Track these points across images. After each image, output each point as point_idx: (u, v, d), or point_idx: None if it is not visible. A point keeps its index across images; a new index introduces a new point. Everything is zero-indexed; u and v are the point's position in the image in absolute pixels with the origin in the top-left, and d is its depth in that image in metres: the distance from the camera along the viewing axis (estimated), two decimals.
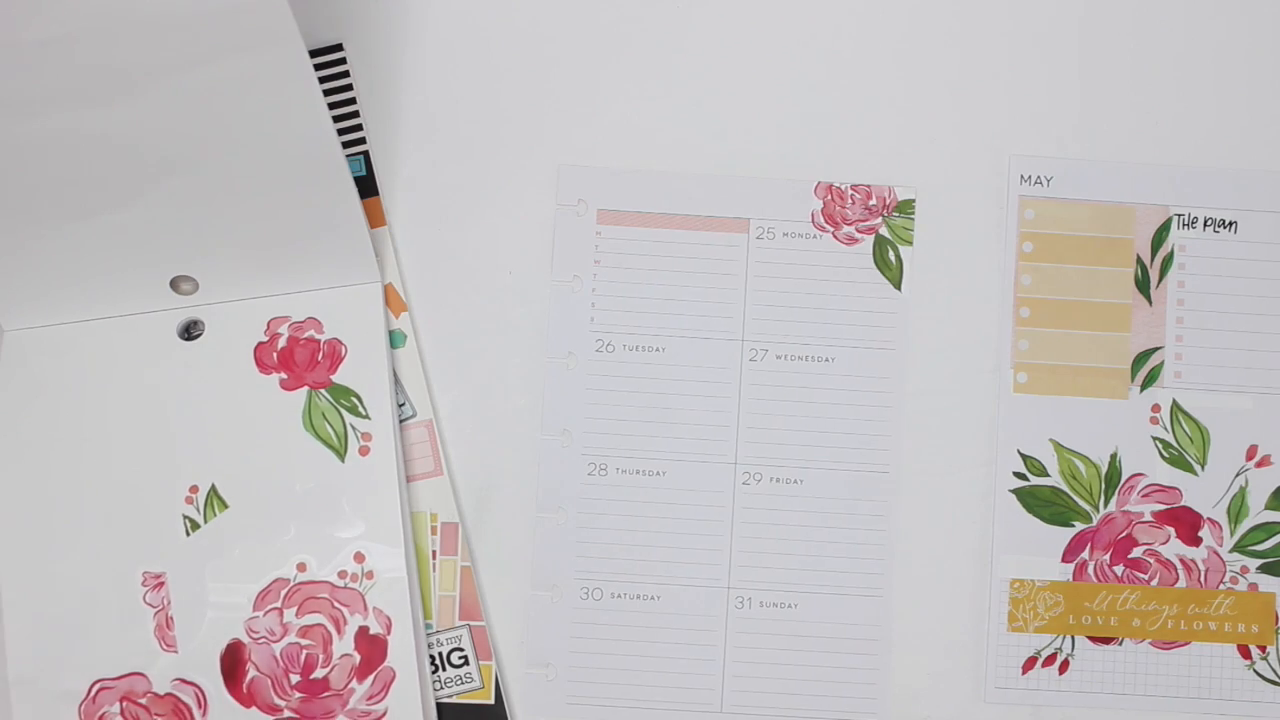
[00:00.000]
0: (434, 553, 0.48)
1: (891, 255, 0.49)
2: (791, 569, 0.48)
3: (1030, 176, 0.49)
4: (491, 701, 0.47)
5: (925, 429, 0.49)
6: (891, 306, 0.49)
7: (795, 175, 0.49)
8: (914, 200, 0.49)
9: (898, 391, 0.49)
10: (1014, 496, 0.48)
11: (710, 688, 0.48)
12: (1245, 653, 0.48)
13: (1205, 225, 0.49)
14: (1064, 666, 0.48)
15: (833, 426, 0.48)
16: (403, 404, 0.48)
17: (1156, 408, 0.48)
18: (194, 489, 0.46)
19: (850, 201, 0.49)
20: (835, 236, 0.49)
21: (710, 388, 0.49)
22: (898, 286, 0.49)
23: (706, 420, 0.48)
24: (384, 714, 0.46)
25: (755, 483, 0.48)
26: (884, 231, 0.49)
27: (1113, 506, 0.48)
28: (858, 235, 0.49)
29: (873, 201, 0.49)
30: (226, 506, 0.46)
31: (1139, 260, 0.49)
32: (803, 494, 0.48)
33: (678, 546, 0.48)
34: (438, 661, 0.47)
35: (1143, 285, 0.49)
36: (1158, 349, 0.49)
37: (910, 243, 0.49)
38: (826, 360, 0.49)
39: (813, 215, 0.49)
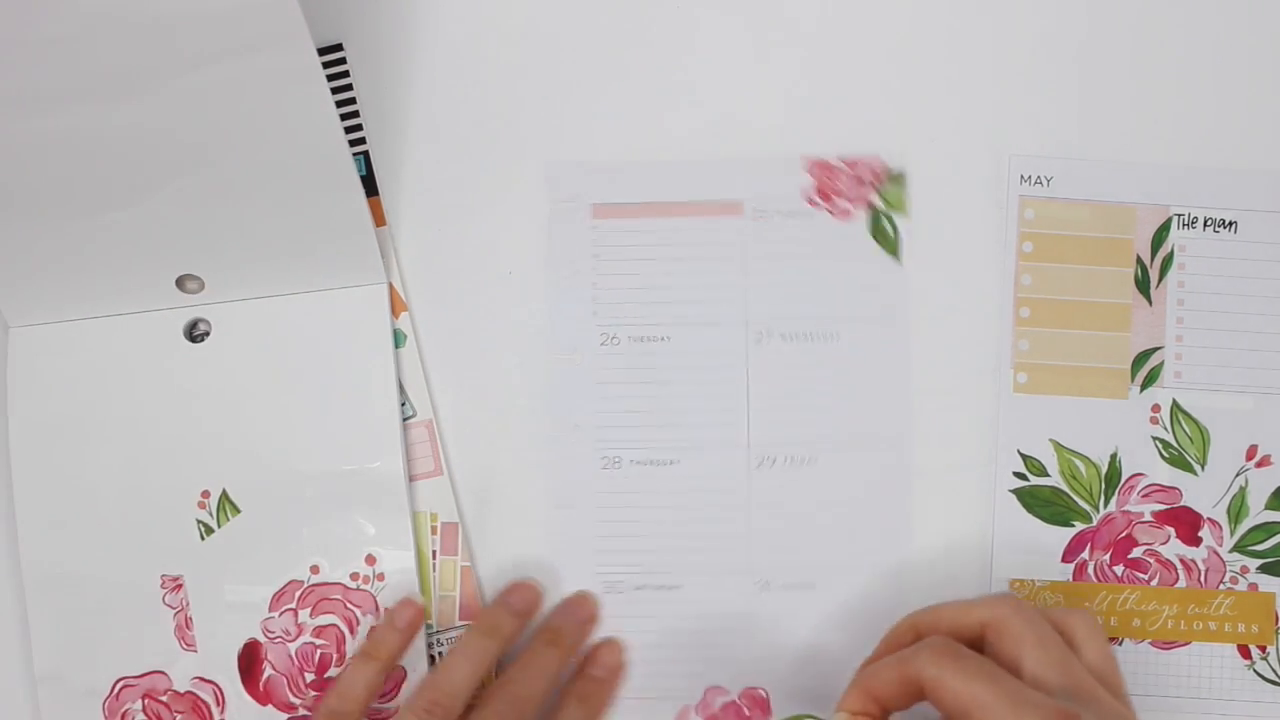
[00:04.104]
0: (434, 553, 0.48)
1: (888, 226, 0.49)
2: (811, 550, 0.48)
3: (1030, 176, 0.49)
4: None
5: (925, 429, 0.49)
6: (893, 281, 0.49)
7: (787, 155, 0.49)
8: (906, 176, 0.49)
9: (904, 365, 0.48)
10: (1014, 496, 0.48)
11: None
12: (1245, 653, 0.48)
13: (1205, 225, 0.49)
14: None
15: (843, 404, 0.48)
16: (403, 404, 0.48)
17: (1156, 408, 0.48)
18: (205, 494, 0.46)
19: (843, 178, 0.49)
20: (830, 211, 0.49)
21: (718, 373, 0.48)
22: (895, 256, 0.48)
23: (716, 406, 0.48)
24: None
25: (770, 466, 0.48)
26: (878, 203, 0.49)
27: (1113, 506, 0.48)
28: (851, 209, 0.49)
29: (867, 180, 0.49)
30: (239, 511, 0.46)
31: (1139, 260, 0.49)
32: (817, 474, 0.48)
33: (696, 535, 0.48)
34: (438, 662, 0.47)
35: (1143, 285, 0.49)
36: (1158, 349, 0.49)
37: (905, 212, 0.49)
38: (832, 338, 0.48)
39: (803, 190, 0.49)
